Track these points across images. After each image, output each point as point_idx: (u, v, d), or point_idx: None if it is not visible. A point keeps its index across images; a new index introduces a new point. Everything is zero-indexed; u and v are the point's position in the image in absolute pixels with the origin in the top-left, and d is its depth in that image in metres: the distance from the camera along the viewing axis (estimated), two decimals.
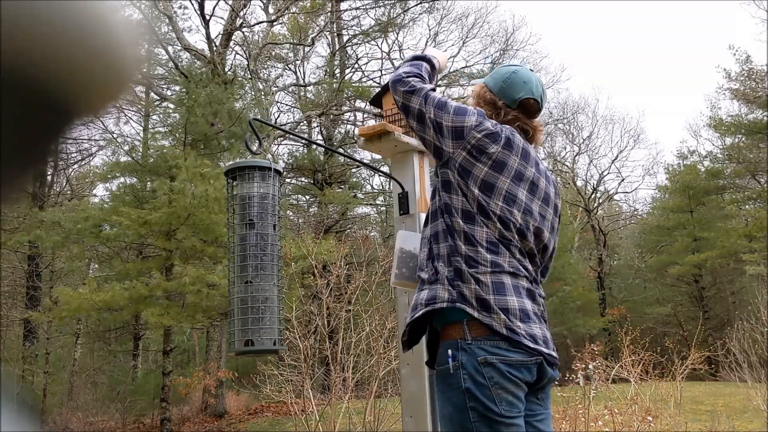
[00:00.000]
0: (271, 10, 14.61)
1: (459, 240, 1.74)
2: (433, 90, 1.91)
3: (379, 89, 2.37)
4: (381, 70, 17.73)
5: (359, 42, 17.54)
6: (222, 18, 14.95)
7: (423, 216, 2.20)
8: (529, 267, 1.81)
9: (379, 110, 2.41)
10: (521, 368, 1.67)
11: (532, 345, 1.68)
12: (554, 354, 1.76)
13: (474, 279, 1.69)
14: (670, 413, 6.30)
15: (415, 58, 2.05)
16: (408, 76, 1.92)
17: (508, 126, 1.87)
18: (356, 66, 17.95)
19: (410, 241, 2.11)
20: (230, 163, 2.39)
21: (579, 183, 23.90)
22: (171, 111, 12.06)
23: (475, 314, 1.66)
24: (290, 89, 18.28)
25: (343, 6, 16.81)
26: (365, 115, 17.22)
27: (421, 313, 1.74)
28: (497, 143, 1.79)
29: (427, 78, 1.97)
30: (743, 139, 18.60)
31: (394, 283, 2.10)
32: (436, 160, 1.88)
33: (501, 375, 1.64)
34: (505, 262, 1.73)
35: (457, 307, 1.68)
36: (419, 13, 17.21)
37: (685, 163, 20.81)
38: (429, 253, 1.81)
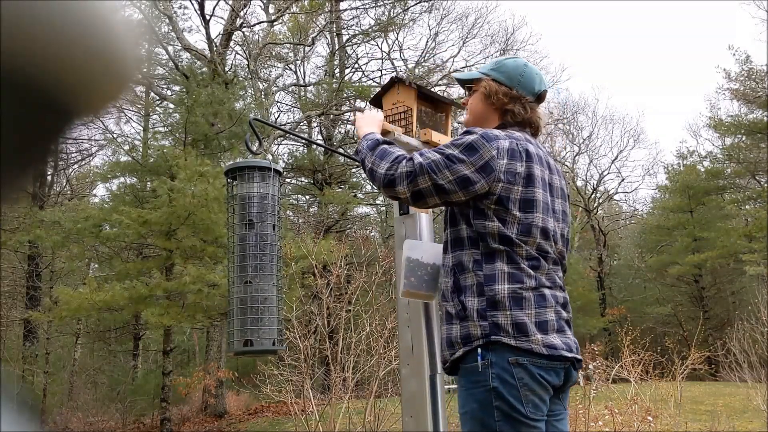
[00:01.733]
0: (271, 10, 14.61)
1: (500, 262, 1.71)
2: (413, 155, 1.79)
3: (380, 89, 2.37)
4: (381, 70, 17.73)
5: (359, 42, 17.55)
6: (222, 18, 14.97)
7: (423, 216, 2.20)
8: (560, 274, 1.84)
9: (379, 110, 2.40)
10: (551, 371, 1.69)
11: (569, 355, 1.72)
12: (579, 357, 1.79)
13: (515, 299, 1.68)
14: (670, 413, 6.30)
15: (371, 146, 1.88)
16: (391, 170, 1.77)
17: (517, 135, 1.82)
18: (356, 66, 17.95)
19: (417, 249, 2.08)
20: (230, 163, 2.40)
21: (579, 183, 23.89)
22: (171, 111, 12.07)
23: (512, 342, 1.66)
24: (290, 89, 18.29)
25: (343, 6, 16.83)
26: None
27: (459, 354, 1.73)
28: (520, 160, 1.76)
29: (396, 149, 1.85)
30: (743, 139, 18.60)
31: (403, 293, 2.06)
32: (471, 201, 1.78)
33: (531, 377, 1.65)
34: (543, 274, 1.75)
35: (492, 340, 1.67)
36: (419, 13, 17.21)
37: (685, 163, 20.82)
38: (454, 285, 1.77)
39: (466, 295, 1.73)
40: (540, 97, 1.93)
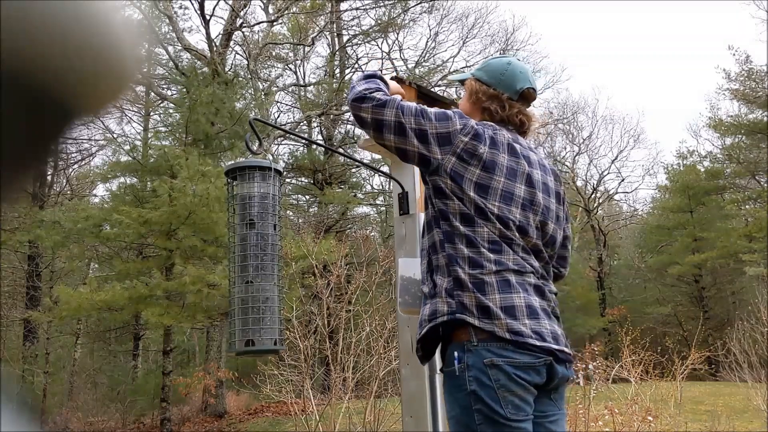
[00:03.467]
0: (271, 10, 14.61)
1: (461, 244, 1.71)
2: (402, 99, 1.84)
3: None
4: (381, 70, 17.70)
5: (359, 42, 17.55)
6: (222, 18, 14.96)
7: (423, 216, 2.20)
8: (535, 264, 1.78)
9: None
10: (529, 370, 1.64)
11: (538, 343, 1.65)
12: (566, 350, 1.72)
13: (476, 284, 1.67)
14: (670, 413, 6.30)
15: (368, 75, 1.94)
16: (370, 92, 1.82)
17: (490, 124, 1.84)
18: (356, 66, 17.94)
19: (410, 267, 2.10)
20: (231, 162, 2.39)
21: (579, 183, 23.89)
22: (172, 111, 12.07)
23: (476, 322, 1.64)
24: (290, 89, 18.29)
25: (343, 6, 16.82)
26: None
27: (425, 330, 1.74)
28: (483, 144, 1.77)
29: (387, 92, 1.87)
30: (743, 139, 18.61)
31: (401, 311, 2.11)
32: (422, 169, 1.83)
33: (507, 377, 1.62)
34: (509, 260, 1.71)
35: (457, 318, 1.67)
36: (419, 13, 17.22)
37: (685, 163, 20.82)
38: (428, 266, 1.79)
39: (437, 274, 1.75)
40: (523, 95, 1.90)
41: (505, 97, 1.88)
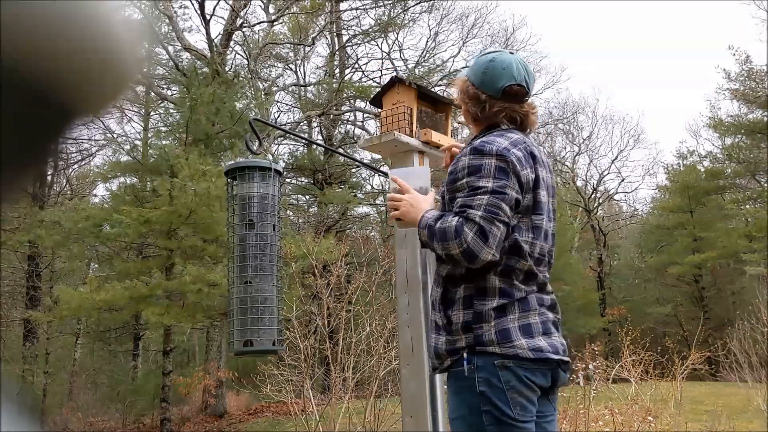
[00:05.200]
0: (271, 10, 14.61)
1: (494, 275, 1.70)
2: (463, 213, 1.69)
3: (380, 89, 2.37)
4: (381, 70, 17.72)
5: (359, 42, 17.55)
6: (222, 18, 14.95)
7: None
8: (547, 276, 1.83)
9: (379, 110, 2.40)
10: (537, 373, 1.69)
11: (555, 357, 1.71)
12: (568, 360, 1.79)
13: (498, 309, 1.68)
14: (670, 413, 6.30)
15: (426, 228, 1.75)
16: (454, 246, 1.64)
17: (515, 137, 1.77)
18: (356, 66, 17.95)
19: (410, 179, 2.05)
20: (230, 162, 2.39)
21: (579, 183, 23.89)
22: (172, 111, 12.07)
23: (498, 350, 1.66)
24: (290, 89, 18.29)
25: (343, 6, 16.82)
26: (365, 115, 17.23)
27: (446, 365, 1.75)
28: (529, 166, 1.74)
29: (437, 222, 1.72)
30: (743, 139, 18.60)
31: (397, 226, 2.05)
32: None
33: (518, 379, 1.65)
34: (534, 284, 1.75)
35: (477, 350, 1.68)
36: (419, 13, 17.23)
37: (685, 163, 20.82)
38: (442, 297, 1.77)
39: (453, 310, 1.73)
40: (506, 93, 1.79)
41: (484, 97, 1.80)
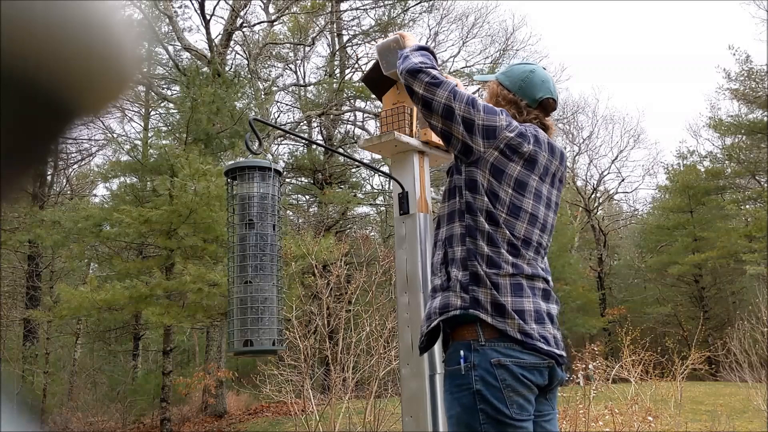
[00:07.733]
0: (271, 10, 14.61)
1: (481, 241, 1.72)
2: (456, 85, 1.86)
3: (368, 69, 2.36)
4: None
5: (359, 42, 17.54)
6: (222, 18, 14.95)
7: (422, 216, 2.20)
8: (544, 265, 1.83)
9: (377, 104, 2.40)
10: (534, 371, 1.67)
11: (545, 347, 1.69)
12: (563, 354, 1.77)
13: (492, 282, 1.69)
14: (670, 413, 6.30)
15: (423, 48, 1.95)
16: (426, 67, 1.82)
17: (530, 124, 1.89)
18: (356, 66, 17.95)
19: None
20: (230, 162, 2.39)
21: (579, 183, 23.89)
22: (173, 110, 12.07)
23: (489, 319, 1.66)
24: (290, 89, 18.29)
25: (343, 6, 16.82)
26: (365, 115, 17.23)
27: (435, 323, 1.74)
28: (528, 142, 1.80)
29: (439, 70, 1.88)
30: (743, 139, 18.60)
31: (385, 73, 2.19)
32: (461, 158, 1.81)
33: (514, 377, 1.64)
34: (525, 263, 1.74)
35: (470, 313, 1.68)
36: (419, 13, 17.23)
37: (685, 163, 20.82)
38: (443, 257, 1.80)
39: (452, 267, 1.75)
40: (543, 105, 1.94)
41: (523, 104, 1.92)
